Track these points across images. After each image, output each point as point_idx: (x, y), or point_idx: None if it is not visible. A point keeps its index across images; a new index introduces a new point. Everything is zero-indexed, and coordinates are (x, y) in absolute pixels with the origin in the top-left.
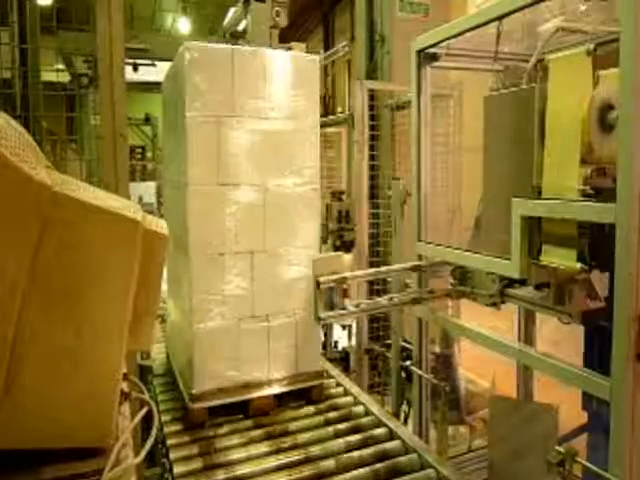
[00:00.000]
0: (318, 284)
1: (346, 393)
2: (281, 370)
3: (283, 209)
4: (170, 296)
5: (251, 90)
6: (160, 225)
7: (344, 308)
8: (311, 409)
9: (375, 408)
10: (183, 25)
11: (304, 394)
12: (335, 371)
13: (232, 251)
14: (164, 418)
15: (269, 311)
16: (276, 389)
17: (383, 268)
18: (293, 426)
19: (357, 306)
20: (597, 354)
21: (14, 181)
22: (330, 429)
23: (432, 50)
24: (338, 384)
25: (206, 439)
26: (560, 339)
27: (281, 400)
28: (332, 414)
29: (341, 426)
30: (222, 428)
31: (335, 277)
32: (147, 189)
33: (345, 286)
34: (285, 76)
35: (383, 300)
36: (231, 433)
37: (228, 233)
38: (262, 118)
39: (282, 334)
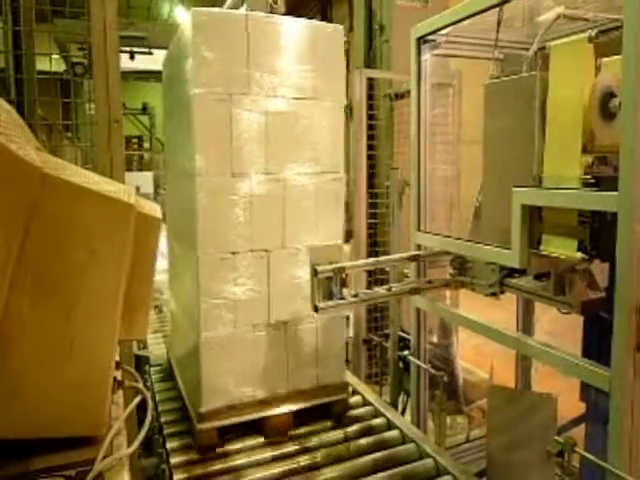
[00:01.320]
0: (315, 272)
1: None
2: (300, 383)
3: (303, 201)
4: (172, 295)
5: (268, 64)
6: (153, 209)
7: (342, 298)
8: (329, 424)
9: (373, 398)
10: (180, 13)
11: (325, 409)
12: None
13: (246, 249)
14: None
15: (287, 317)
16: (295, 405)
17: (382, 258)
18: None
19: (356, 296)
20: (596, 345)
21: (2, 161)
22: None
23: (432, 37)
24: None
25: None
26: (555, 330)
27: (300, 416)
28: None
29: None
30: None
31: (333, 266)
32: (144, 179)
33: (344, 276)
34: (306, 48)
35: (382, 290)
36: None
37: (241, 229)
38: (280, 97)
39: (301, 342)
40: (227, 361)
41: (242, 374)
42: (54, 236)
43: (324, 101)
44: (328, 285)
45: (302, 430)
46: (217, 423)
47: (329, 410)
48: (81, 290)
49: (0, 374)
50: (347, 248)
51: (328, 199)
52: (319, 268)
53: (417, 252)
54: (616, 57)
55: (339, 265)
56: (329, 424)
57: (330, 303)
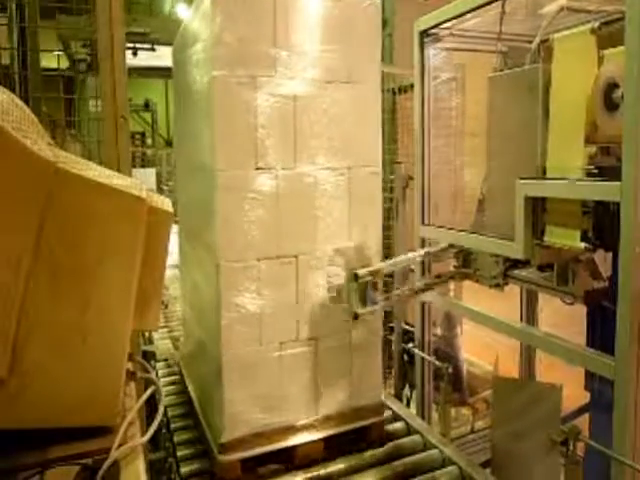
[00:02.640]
0: (356, 277)
1: None
2: (333, 406)
3: (335, 199)
4: (184, 300)
5: (296, 42)
6: (164, 202)
7: (375, 302)
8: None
9: None
10: (181, 10)
11: (360, 433)
12: None
13: (273, 255)
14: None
15: (318, 331)
16: (327, 431)
17: (402, 257)
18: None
19: (387, 298)
20: (600, 334)
21: (17, 157)
22: None
23: (435, 31)
24: None
25: None
26: (557, 322)
27: (332, 443)
28: None
29: None
30: None
31: (371, 269)
32: (147, 175)
33: (376, 279)
34: (339, 25)
35: (405, 290)
36: None
37: (267, 232)
38: (310, 80)
39: (334, 360)
40: (252, 384)
41: (268, 398)
42: (68, 229)
43: (360, 85)
44: (363, 289)
45: (334, 459)
46: (241, 454)
47: (364, 435)
48: (95, 282)
49: (17, 365)
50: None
51: (364, 196)
52: (359, 272)
53: (432, 248)
54: (619, 48)
55: (377, 267)
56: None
57: (369, 309)
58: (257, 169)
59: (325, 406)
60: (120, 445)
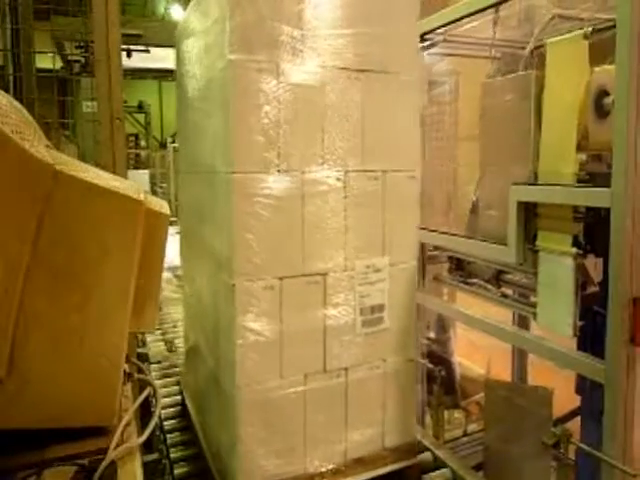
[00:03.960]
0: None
1: None
2: (362, 447)
3: (369, 208)
4: (188, 318)
5: (326, 23)
6: (161, 205)
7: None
8: None
9: None
10: (176, 11)
11: (392, 477)
12: None
13: (297, 273)
14: None
15: (347, 360)
16: (356, 477)
17: None
18: None
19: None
20: (590, 338)
21: (16, 159)
22: None
23: (429, 36)
24: None
25: None
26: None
27: None
28: None
29: None
30: None
31: None
32: (141, 177)
33: None
34: (374, 5)
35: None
36: None
37: (291, 246)
38: (341, 69)
39: (366, 393)
40: (271, 425)
41: (290, 440)
42: (66, 231)
43: (395, 76)
44: None
45: None
46: None
47: (397, 478)
48: (93, 284)
49: (15, 366)
50: None
51: (399, 204)
52: None
53: (435, 252)
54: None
55: None
56: None
57: None
58: (279, 172)
59: (355, 448)
60: (117, 446)
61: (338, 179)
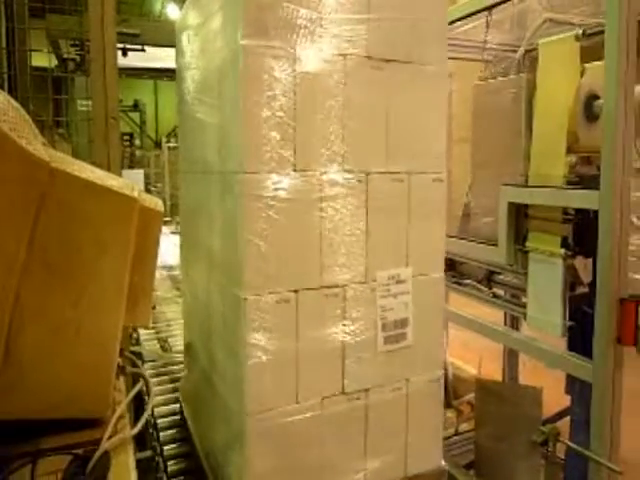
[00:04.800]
0: None
1: None
2: (382, 475)
3: (393, 213)
4: (188, 330)
5: (348, 4)
6: (155, 202)
7: None
8: None
9: None
10: (172, 10)
11: None
12: None
13: (314, 284)
14: None
15: (368, 381)
16: None
17: None
18: None
19: None
20: (580, 338)
21: (13, 156)
22: None
23: None
24: None
25: None
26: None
27: None
28: None
29: None
30: None
31: None
32: (135, 177)
33: None
34: None
35: None
36: None
37: (308, 255)
38: (364, 57)
39: (387, 417)
40: (284, 454)
41: (305, 471)
42: (62, 228)
43: (423, 68)
44: None
45: None
46: None
47: None
48: (88, 279)
49: (11, 358)
50: None
51: (425, 210)
52: None
53: None
54: (599, 63)
55: None
56: None
57: None
58: (295, 171)
59: (374, 477)
60: (110, 436)
61: (359, 181)
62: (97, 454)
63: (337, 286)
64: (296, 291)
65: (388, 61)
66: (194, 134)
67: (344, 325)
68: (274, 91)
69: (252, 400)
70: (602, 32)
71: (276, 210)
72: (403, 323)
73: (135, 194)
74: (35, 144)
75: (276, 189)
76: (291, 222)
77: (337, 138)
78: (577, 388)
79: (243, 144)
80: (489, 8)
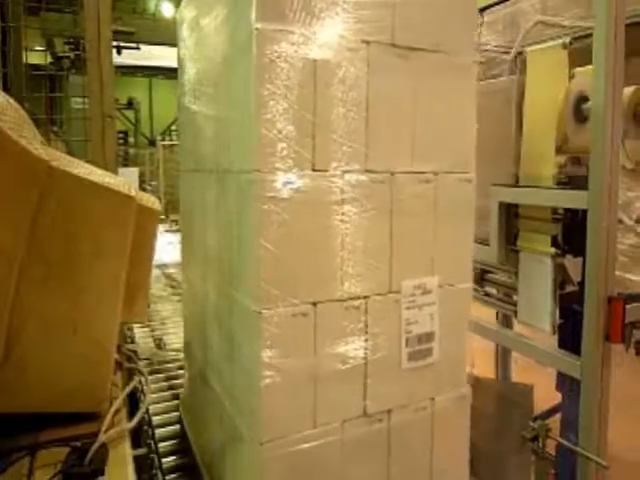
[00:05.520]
0: None
1: None
2: None
3: (418, 217)
4: (190, 337)
5: None
6: (152, 201)
7: None
8: None
9: None
10: (166, 9)
11: None
12: None
13: (334, 296)
14: None
15: (391, 401)
16: None
17: None
18: None
19: None
20: (570, 336)
21: (13, 155)
22: None
23: None
24: None
25: None
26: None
27: None
28: None
29: None
30: None
31: None
32: (130, 175)
33: None
34: None
35: None
36: None
37: (328, 265)
38: (389, 46)
39: (411, 440)
40: None
41: None
42: (60, 225)
43: (451, 58)
44: None
45: None
46: None
47: None
48: (86, 276)
49: (12, 354)
50: None
51: (453, 213)
52: None
53: None
54: (588, 67)
55: None
56: None
57: None
58: (314, 171)
59: None
60: (108, 430)
61: (383, 182)
62: (95, 446)
63: (359, 297)
64: (315, 303)
65: (414, 49)
66: (197, 130)
67: (366, 340)
68: (291, 81)
69: (266, 427)
70: (591, 35)
71: (292, 213)
72: (428, 337)
73: (132, 192)
74: (34, 143)
75: (293, 190)
76: (309, 227)
77: (360, 134)
78: (567, 385)
79: (256, 140)
80: (481, 10)
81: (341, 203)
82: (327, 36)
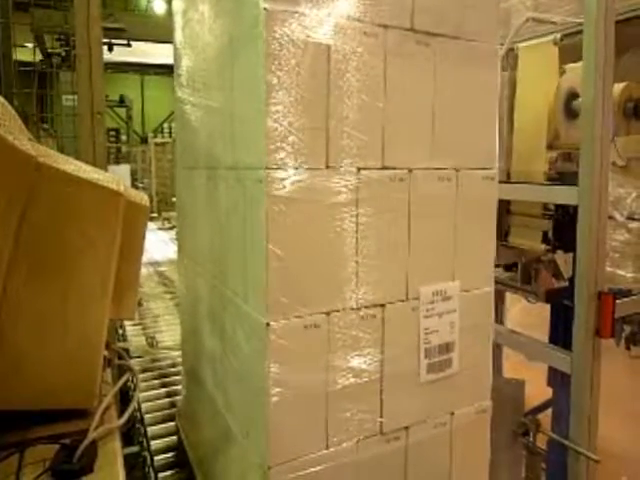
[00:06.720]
0: None
1: None
2: None
3: (438, 217)
4: (187, 350)
5: None
6: (141, 197)
7: None
8: None
9: None
10: (158, 5)
11: None
12: None
13: (348, 304)
14: None
15: (408, 418)
16: None
17: None
18: None
19: None
20: (562, 332)
21: (0, 151)
22: None
23: None
24: None
25: None
26: (533, 322)
27: None
28: None
29: None
30: None
31: None
32: (121, 172)
33: None
34: None
35: None
36: None
37: (342, 270)
38: (407, 30)
39: (429, 458)
40: None
41: None
42: (49, 221)
43: (472, 44)
44: None
45: None
46: None
47: None
48: (75, 273)
49: (1, 351)
50: None
51: (474, 212)
52: None
53: None
54: (579, 64)
55: None
56: None
57: None
58: (328, 167)
59: None
60: (97, 427)
61: (401, 179)
62: (84, 443)
63: (375, 305)
64: (328, 313)
65: (434, 35)
66: (196, 124)
67: (382, 352)
68: (303, 68)
69: (275, 448)
70: (581, 31)
71: (303, 214)
72: (449, 347)
73: (121, 188)
74: (22, 139)
75: (304, 189)
76: (322, 229)
77: (376, 128)
78: (558, 380)
79: (264, 134)
80: None
81: (356, 203)
82: (342, 19)
